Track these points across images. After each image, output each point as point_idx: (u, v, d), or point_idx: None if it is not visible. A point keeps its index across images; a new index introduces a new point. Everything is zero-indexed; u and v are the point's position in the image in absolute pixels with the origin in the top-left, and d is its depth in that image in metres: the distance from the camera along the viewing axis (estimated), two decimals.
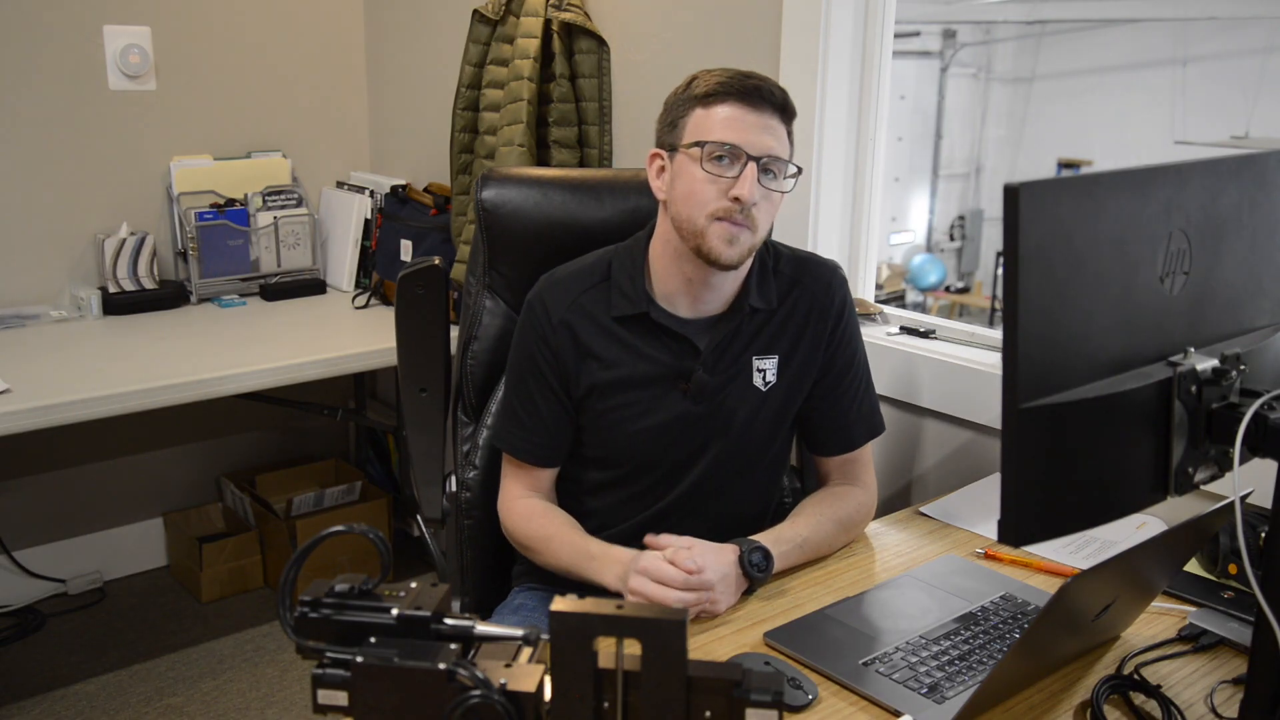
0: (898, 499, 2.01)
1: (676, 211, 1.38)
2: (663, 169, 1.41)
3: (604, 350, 1.44)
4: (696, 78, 1.38)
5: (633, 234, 1.50)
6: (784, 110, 1.36)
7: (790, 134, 1.39)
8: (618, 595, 1.51)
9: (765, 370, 1.46)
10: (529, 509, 1.48)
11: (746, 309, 1.44)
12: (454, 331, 1.70)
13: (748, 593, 1.34)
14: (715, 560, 1.30)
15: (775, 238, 2.06)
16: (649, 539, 1.34)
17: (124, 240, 2.73)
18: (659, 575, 1.26)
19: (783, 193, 1.38)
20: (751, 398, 1.46)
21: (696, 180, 1.34)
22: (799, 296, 1.48)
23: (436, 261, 1.64)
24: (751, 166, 1.32)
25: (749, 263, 1.43)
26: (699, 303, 1.43)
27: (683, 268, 1.41)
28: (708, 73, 1.38)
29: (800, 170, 1.40)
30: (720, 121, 1.34)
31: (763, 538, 1.37)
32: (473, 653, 0.78)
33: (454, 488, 1.67)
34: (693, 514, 1.48)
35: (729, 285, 1.43)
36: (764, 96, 1.34)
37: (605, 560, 1.36)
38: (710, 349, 1.43)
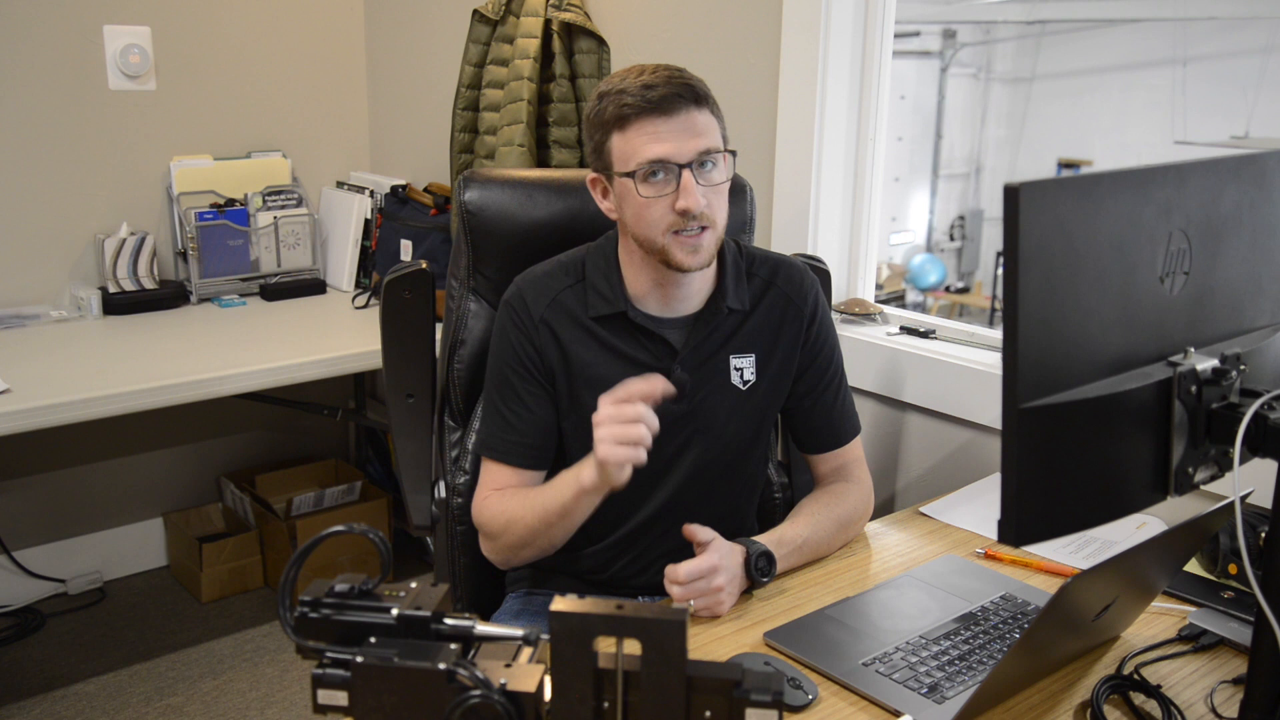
0: (897, 499, 2.01)
1: (634, 233, 1.38)
2: (606, 191, 1.41)
3: (583, 350, 1.44)
4: (604, 97, 1.35)
5: None
6: (697, 99, 1.33)
7: (715, 113, 1.36)
8: (618, 594, 1.52)
9: (743, 369, 1.47)
10: (500, 494, 1.45)
11: (724, 310, 1.44)
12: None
13: (746, 592, 1.34)
14: (729, 560, 1.30)
15: (776, 239, 2.09)
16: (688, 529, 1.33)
17: (124, 240, 2.73)
18: (620, 411, 1.23)
19: (728, 179, 1.37)
20: (731, 396, 1.46)
21: (641, 204, 1.34)
22: (774, 298, 1.49)
23: (424, 265, 1.63)
24: (687, 174, 1.31)
25: (715, 259, 1.43)
26: (671, 301, 1.44)
27: (651, 272, 1.41)
28: (614, 92, 1.34)
29: (733, 151, 1.37)
30: (641, 142, 1.32)
31: (765, 539, 1.37)
32: (473, 653, 0.78)
33: (443, 494, 1.64)
34: (682, 518, 1.46)
35: (698, 283, 1.43)
36: (673, 101, 1.31)
37: (570, 472, 1.33)
38: (687, 348, 1.43)
